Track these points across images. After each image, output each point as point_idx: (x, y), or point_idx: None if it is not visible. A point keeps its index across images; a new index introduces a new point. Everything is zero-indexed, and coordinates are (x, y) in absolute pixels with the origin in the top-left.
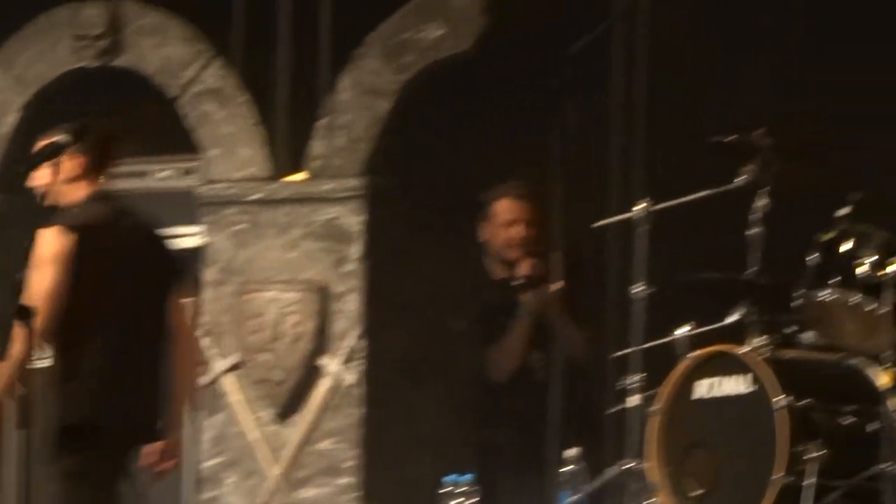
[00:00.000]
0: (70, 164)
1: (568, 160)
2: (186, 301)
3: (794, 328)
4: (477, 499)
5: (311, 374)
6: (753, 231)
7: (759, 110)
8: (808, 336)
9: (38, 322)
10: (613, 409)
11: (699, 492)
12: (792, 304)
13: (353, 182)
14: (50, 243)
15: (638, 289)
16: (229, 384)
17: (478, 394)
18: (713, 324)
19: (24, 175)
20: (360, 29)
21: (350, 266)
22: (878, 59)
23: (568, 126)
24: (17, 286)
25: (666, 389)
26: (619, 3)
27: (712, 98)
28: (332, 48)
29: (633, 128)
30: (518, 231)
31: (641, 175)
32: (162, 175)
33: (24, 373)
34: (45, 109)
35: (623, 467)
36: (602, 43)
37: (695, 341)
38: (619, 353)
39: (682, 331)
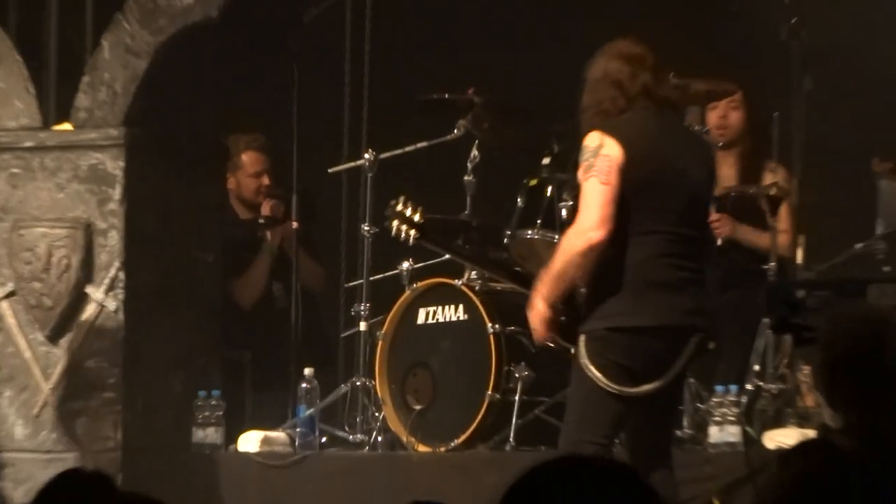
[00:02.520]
0: None
1: (305, 115)
2: None
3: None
4: (222, 412)
5: (77, 301)
6: (467, 178)
7: (470, 71)
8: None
9: None
10: (345, 334)
11: (420, 406)
12: (502, 242)
13: (114, 132)
14: None
15: (366, 228)
16: (5, 309)
17: (224, 319)
18: (432, 259)
19: None
20: None
21: (112, 206)
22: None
23: (304, 85)
24: None
25: (391, 316)
26: None
27: (431, 60)
28: (95, 12)
29: (361, 86)
30: (263, 179)
31: (369, 128)
32: None
33: None
34: None
35: (353, 384)
36: (335, 12)
37: (417, 275)
38: (350, 284)
39: (405, 265)
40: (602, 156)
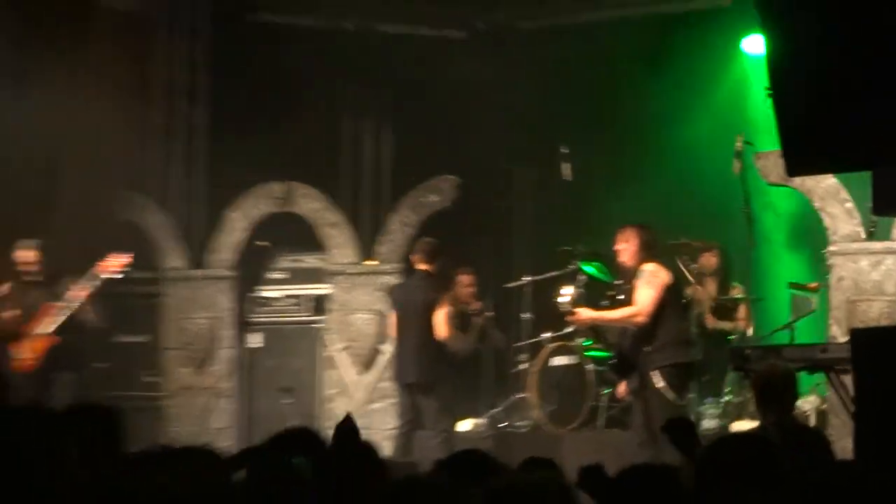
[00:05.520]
0: None
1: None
2: None
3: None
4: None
5: (374, 353)
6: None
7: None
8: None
9: None
10: (514, 370)
11: (552, 408)
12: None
13: (396, 265)
14: None
15: (524, 315)
16: (343, 357)
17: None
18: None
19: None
20: None
21: (389, 301)
22: None
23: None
24: None
25: (538, 360)
26: None
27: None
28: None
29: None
30: (472, 289)
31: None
32: (312, 259)
33: None
34: (258, 231)
35: (518, 396)
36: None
37: (554, 338)
38: (517, 344)
39: (546, 335)
40: (656, 277)
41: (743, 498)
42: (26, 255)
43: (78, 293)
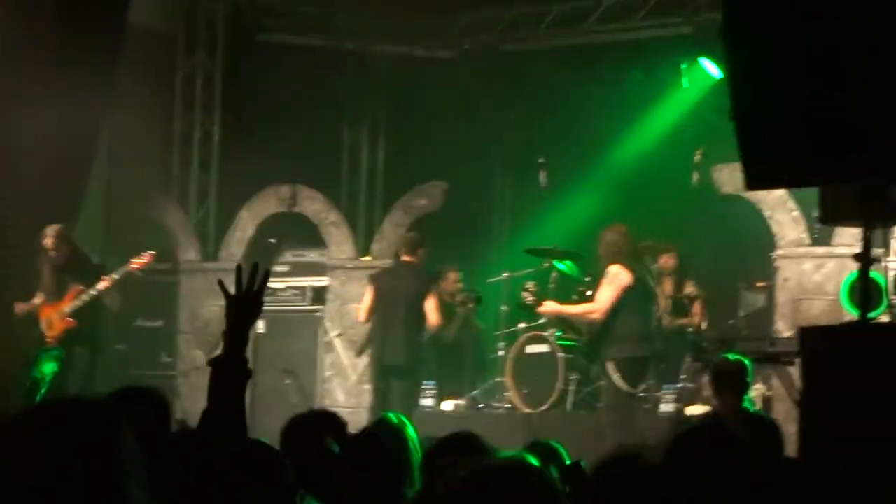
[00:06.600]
0: None
1: None
2: None
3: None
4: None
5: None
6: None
7: None
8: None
9: None
10: (494, 356)
11: (525, 391)
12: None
13: (388, 262)
14: None
15: (504, 307)
16: (337, 342)
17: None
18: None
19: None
20: None
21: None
22: None
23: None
24: None
25: (514, 348)
26: None
27: None
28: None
29: None
30: (457, 283)
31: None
32: (313, 254)
33: None
34: (278, 228)
35: (495, 380)
36: None
37: (529, 328)
38: (497, 332)
39: (521, 325)
40: (616, 278)
41: (705, 479)
42: (47, 239)
43: (106, 282)
